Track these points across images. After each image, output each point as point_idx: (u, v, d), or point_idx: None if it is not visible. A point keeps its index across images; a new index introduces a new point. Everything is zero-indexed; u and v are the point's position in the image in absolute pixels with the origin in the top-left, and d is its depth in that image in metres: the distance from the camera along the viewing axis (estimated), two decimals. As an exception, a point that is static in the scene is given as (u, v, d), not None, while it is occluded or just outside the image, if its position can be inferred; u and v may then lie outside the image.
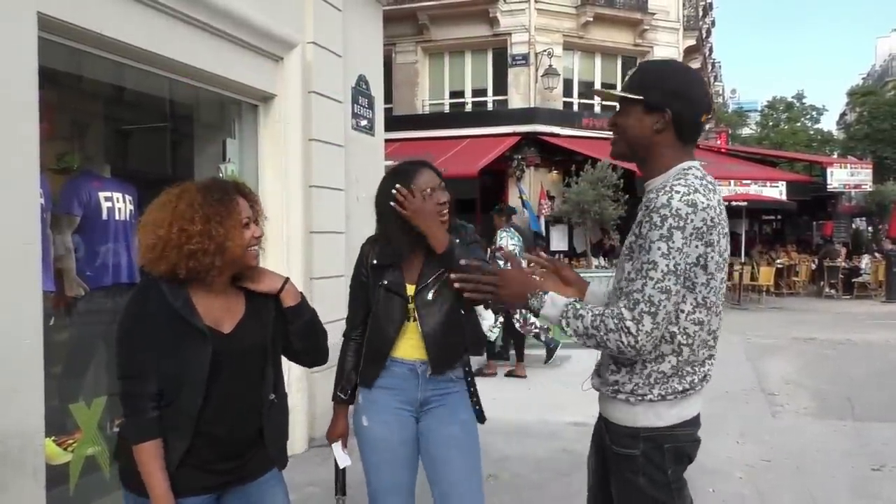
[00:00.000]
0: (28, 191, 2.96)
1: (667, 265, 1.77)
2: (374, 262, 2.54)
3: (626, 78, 2.01)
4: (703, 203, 1.80)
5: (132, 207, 4.33)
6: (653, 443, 1.89)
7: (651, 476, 1.89)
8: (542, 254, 2.44)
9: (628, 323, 1.78)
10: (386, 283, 2.51)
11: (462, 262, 2.21)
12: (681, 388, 1.88)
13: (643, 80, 1.97)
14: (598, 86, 19.47)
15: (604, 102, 19.54)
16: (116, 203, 4.25)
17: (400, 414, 2.51)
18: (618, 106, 2.01)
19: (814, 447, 5.22)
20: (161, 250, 1.92)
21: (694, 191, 1.81)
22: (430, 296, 2.50)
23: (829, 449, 5.18)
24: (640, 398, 1.89)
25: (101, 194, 4.17)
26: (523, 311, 2.08)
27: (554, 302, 1.94)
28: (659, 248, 1.77)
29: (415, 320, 2.51)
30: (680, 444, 1.92)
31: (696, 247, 1.79)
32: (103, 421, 3.86)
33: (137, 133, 5.23)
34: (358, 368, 2.60)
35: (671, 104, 1.90)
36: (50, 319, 3.29)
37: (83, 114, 4.57)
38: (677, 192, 1.80)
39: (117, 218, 4.25)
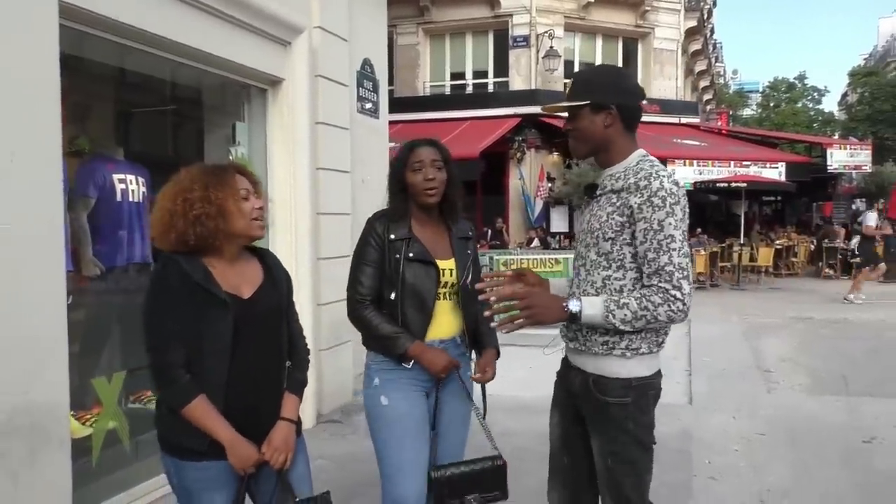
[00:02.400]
0: (52, 172, 3.08)
1: (680, 235, 2.05)
2: (392, 236, 2.55)
3: (568, 91, 2.26)
4: (679, 183, 2.10)
5: (145, 189, 4.43)
6: (640, 390, 2.17)
7: (638, 420, 2.17)
8: (504, 269, 2.58)
9: (673, 292, 2.02)
10: (412, 255, 2.53)
11: (480, 297, 2.29)
12: (659, 341, 2.20)
13: (585, 86, 2.23)
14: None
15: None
16: (130, 185, 4.35)
17: (417, 390, 2.57)
18: (567, 115, 2.26)
19: (807, 421, 5.37)
20: (169, 221, 2.08)
21: (671, 174, 2.10)
22: (469, 279, 2.62)
23: (823, 423, 5.33)
24: (633, 352, 2.15)
25: (115, 176, 4.27)
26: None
27: (591, 303, 2.11)
28: (670, 224, 2.04)
29: (445, 299, 2.60)
30: (657, 389, 2.24)
31: (684, 218, 2.08)
32: (121, 396, 4.00)
33: (149, 116, 5.32)
34: (395, 323, 2.54)
35: (613, 100, 2.19)
36: (68, 298, 3.41)
37: (96, 98, 4.67)
38: (663, 175, 2.08)
39: (131, 199, 4.35)
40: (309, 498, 2.23)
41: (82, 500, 3.31)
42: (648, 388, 2.19)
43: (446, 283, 2.60)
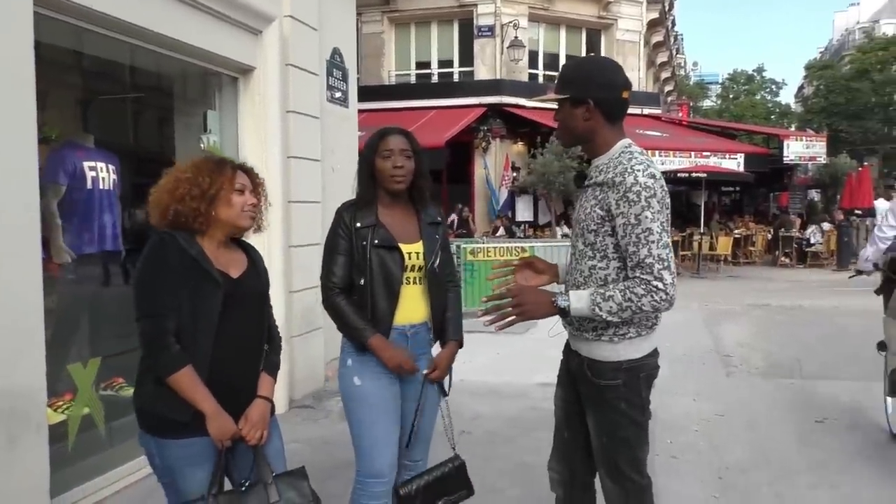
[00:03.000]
0: (27, 158, 3.10)
1: (658, 227, 2.12)
2: (358, 224, 2.61)
3: (556, 82, 2.34)
4: (658, 174, 2.17)
5: (115, 177, 4.43)
6: (631, 372, 2.27)
7: (629, 400, 2.28)
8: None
9: (655, 283, 2.11)
10: (377, 242, 2.59)
11: (483, 299, 2.43)
12: (649, 325, 2.29)
13: (564, 80, 2.32)
14: (562, 59, 19.69)
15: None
16: (100, 172, 4.34)
17: (388, 373, 2.63)
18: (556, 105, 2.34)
19: (764, 403, 5.59)
20: (158, 197, 2.24)
21: (648, 166, 2.17)
22: (437, 263, 2.70)
23: (778, 404, 5.56)
24: (621, 336, 2.25)
25: (86, 164, 4.26)
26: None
27: (579, 297, 2.21)
28: (647, 217, 2.11)
29: (413, 283, 2.67)
30: (650, 371, 2.33)
31: (663, 209, 2.15)
32: (94, 382, 4.02)
33: (119, 104, 5.30)
34: (363, 312, 2.60)
35: (591, 94, 2.24)
36: (40, 285, 3.42)
37: (67, 86, 4.65)
38: (638, 169, 2.14)
39: (101, 187, 4.35)
40: (286, 472, 2.35)
41: (59, 483, 3.35)
42: (639, 370, 2.29)
43: (413, 266, 2.65)
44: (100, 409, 3.97)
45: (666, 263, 2.12)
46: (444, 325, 2.79)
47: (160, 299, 2.14)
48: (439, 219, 2.83)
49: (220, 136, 5.04)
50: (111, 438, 4.04)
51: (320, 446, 4.54)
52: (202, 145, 4.87)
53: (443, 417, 2.80)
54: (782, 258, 17.87)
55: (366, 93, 17.09)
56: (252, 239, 4.13)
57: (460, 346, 2.82)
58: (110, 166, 4.42)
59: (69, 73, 4.58)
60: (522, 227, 17.70)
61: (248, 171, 2.39)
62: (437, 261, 2.71)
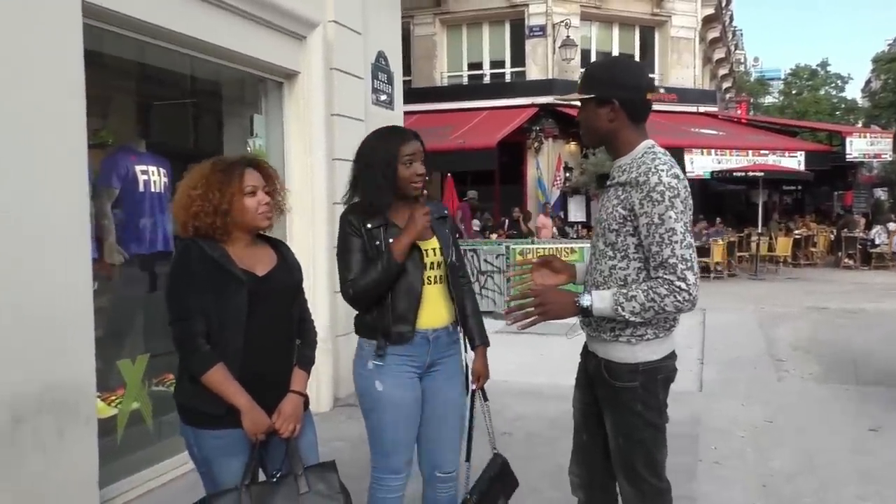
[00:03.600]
0: (78, 164, 3.25)
1: (682, 227, 2.12)
2: (368, 225, 2.54)
3: (579, 81, 2.34)
4: (681, 175, 2.16)
5: (166, 180, 4.58)
6: (648, 375, 2.26)
7: (647, 402, 2.27)
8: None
9: (678, 283, 2.10)
10: (392, 240, 2.51)
11: (506, 299, 2.44)
12: (667, 327, 2.28)
13: (590, 80, 2.32)
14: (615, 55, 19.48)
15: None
16: (152, 176, 4.50)
17: (411, 376, 2.62)
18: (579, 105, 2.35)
19: (815, 409, 5.44)
20: (175, 212, 2.32)
21: (672, 166, 2.16)
22: (454, 257, 2.70)
23: (830, 411, 5.40)
24: (639, 338, 2.24)
25: (138, 168, 4.42)
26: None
27: (601, 296, 2.21)
28: (670, 217, 2.11)
29: (434, 283, 2.64)
30: (667, 373, 2.32)
31: (686, 210, 2.14)
32: (145, 378, 4.17)
33: (170, 109, 5.47)
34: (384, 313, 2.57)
35: (616, 94, 2.25)
36: (94, 284, 3.56)
37: (119, 92, 4.82)
38: (662, 170, 2.13)
39: (153, 190, 4.50)
40: (317, 464, 2.41)
41: (108, 475, 3.49)
42: (657, 372, 2.28)
43: (432, 263, 2.62)
44: (148, 403, 4.11)
45: (689, 264, 2.11)
46: (471, 331, 2.78)
47: (187, 304, 2.22)
48: (445, 212, 2.81)
49: (266, 140, 5.16)
50: (159, 432, 4.18)
51: (360, 445, 4.55)
52: (248, 149, 5.00)
53: (484, 417, 2.79)
54: (845, 260, 17.28)
55: (418, 95, 17.28)
56: (298, 240, 4.25)
57: (487, 346, 2.83)
58: (161, 170, 4.57)
59: (122, 80, 4.74)
60: (575, 227, 17.55)
61: (258, 165, 2.42)
62: (454, 256, 2.71)
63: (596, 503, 2.55)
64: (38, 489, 3.00)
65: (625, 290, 2.17)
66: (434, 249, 2.65)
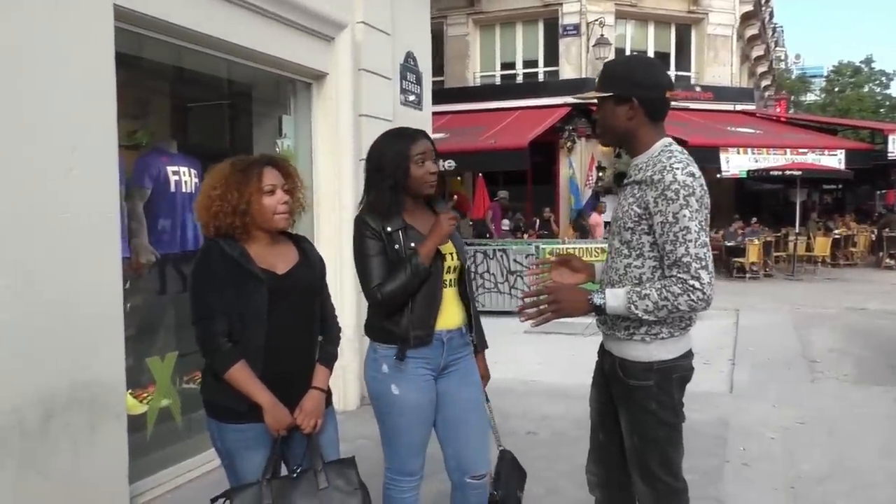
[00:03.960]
0: (108, 165, 3.32)
1: (696, 226, 2.11)
2: (388, 228, 2.52)
3: (597, 80, 2.32)
4: (697, 173, 2.14)
5: (197, 180, 4.66)
6: (663, 373, 2.26)
7: (661, 401, 2.26)
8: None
9: (691, 282, 2.09)
10: (413, 245, 2.52)
11: (520, 295, 2.46)
12: (682, 326, 2.28)
13: (609, 79, 2.31)
14: (650, 54, 19.29)
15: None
16: (183, 176, 4.59)
17: (426, 379, 2.62)
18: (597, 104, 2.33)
19: (849, 411, 5.34)
20: (197, 213, 2.36)
21: (687, 164, 2.15)
22: (466, 262, 2.72)
23: (864, 413, 5.29)
24: (653, 336, 2.24)
25: (170, 168, 4.51)
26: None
27: (615, 295, 2.22)
28: (685, 216, 2.10)
29: (450, 286, 2.66)
30: (683, 372, 2.31)
31: (702, 208, 2.13)
32: (174, 376, 4.25)
33: (200, 111, 5.57)
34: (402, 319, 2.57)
35: (635, 93, 2.22)
36: (126, 283, 3.65)
37: (151, 94, 4.92)
38: (677, 168, 2.12)
39: (184, 190, 4.59)
40: (336, 460, 2.44)
41: (137, 470, 3.57)
42: (672, 371, 2.27)
43: (449, 267, 2.64)
44: (177, 401, 4.20)
45: (703, 263, 2.10)
46: (473, 336, 2.78)
47: (208, 303, 2.27)
48: (456, 216, 2.81)
49: (295, 140, 5.22)
50: (189, 429, 4.26)
51: (387, 442, 4.62)
52: (277, 149, 5.06)
53: (490, 417, 2.82)
54: (886, 260, 16.88)
55: (451, 95, 17.32)
56: (326, 240, 4.28)
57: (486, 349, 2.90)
58: (192, 170, 4.66)
59: (154, 82, 4.84)
60: (608, 226, 17.39)
61: (278, 163, 2.43)
62: (467, 260, 2.73)
63: (614, 502, 2.54)
64: (69, 484, 3.07)
65: (638, 289, 2.17)
66: (452, 254, 2.67)
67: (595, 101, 2.34)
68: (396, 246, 2.53)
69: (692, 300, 2.10)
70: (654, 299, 2.13)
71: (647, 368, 2.26)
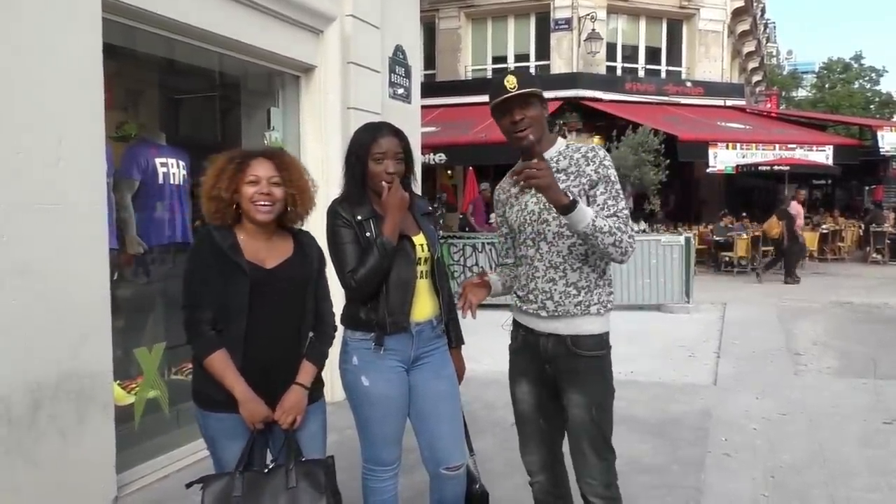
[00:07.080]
0: (96, 155, 3.34)
1: (621, 189, 2.50)
2: (359, 217, 2.55)
3: (521, 81, 2.42)
4: None
5: (185, 172, 4.68)
6: (607, 342, 2.54)
7: (610, 370, 2.55)
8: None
9: (625, 228, 2.39)
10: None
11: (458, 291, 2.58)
12: (612, 299, 2.56)
13: (532, 78, 2.52)
14: (642, 50, 19.38)
15: (647, 66, 19.46)
16: (171, 168, 4.61)
17: (397, 371, 2.63)
18: (523, 103, 2.47)
19: (831, 403, 5.41)
20: (202, 200, 2.41)
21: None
22: (439, 254, 2.74)
23: (845, 404, 5.36)
24: (605, 309, 2.51)
25: (158, 160, 4.53)
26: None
27: (584, 205, 2.34)
28: (616, 178, 2.47)
29: (422, 277, 2.67)
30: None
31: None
32: (162, 367, 4.28)
33: (189, 103, 5.58)
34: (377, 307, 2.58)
35: (542, 92, 2.51)
36: (114, 274, 3.67)
37: (139, 86, 4.94)
38: (596, 147, 2.51)
39: (172, 182, 4.61)
40: (313, 459, 2.42)
41: (125, 460, 3.61)
42: (608, 339, 2.54)
43: (420, 258, 2.64)
44: (165, 391, 4.22)
45: (629, 220, 2.44)
46: (449, 330, 2.80)
47: (196, 291, 2.33)
48: (430, 209, 2.86)
49: (283, 133, 5.24)
50: (177, 420, 4.29)
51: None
52: (265, 142, 5.08)
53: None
54: (873, 255, 17.00)
55: (442, 88, 17.31)
56: (314, 233, 4.31)
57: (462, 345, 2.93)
58: (181, 162, 4.68)
59: (143, 74, 4.85)
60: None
61: (274, 158, 2.44)
62: (439, 252, 2.75)
63: (557, 478, 2.71)
64: (56, 473, 3.11)
65: (600, 214, 2.38)
66: (422, 245, 2.68)
67: (536, 94, 2.46)
68: (368, 234, 2.55)
69: (628, 242, 2.37)
70: (609, 226, 2.33)
71: (600, 340, 2.48)
